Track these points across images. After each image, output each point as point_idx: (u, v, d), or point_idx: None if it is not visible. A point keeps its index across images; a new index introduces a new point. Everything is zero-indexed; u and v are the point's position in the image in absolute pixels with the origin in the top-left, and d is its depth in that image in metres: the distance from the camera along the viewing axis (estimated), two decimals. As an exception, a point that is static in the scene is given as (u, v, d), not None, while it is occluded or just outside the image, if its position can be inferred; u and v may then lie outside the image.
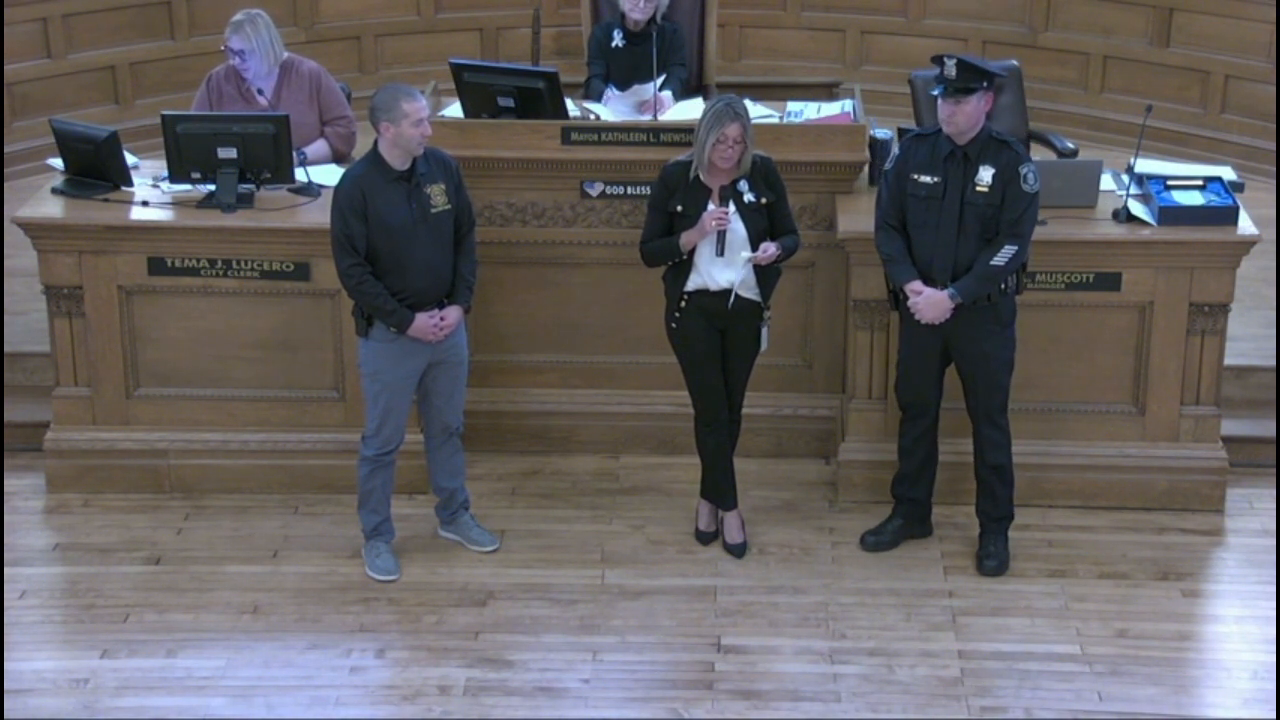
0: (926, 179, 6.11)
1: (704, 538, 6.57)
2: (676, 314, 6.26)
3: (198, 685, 5.82)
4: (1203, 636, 6.18)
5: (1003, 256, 6.06)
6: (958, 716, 5.68)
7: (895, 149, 6.24)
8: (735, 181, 6.13)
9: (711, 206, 6.11)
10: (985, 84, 6.00)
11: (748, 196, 6.15)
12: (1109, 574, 6.40)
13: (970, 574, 6.39)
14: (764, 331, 6.31)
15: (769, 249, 6.13)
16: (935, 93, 6.05)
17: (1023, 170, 6.04)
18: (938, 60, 6.04)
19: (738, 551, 6.50)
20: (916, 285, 6.14)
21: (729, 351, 6.33)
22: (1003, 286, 6.14)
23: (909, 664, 5.92)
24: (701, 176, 6.13)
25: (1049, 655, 5.95)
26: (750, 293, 6.22)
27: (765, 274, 6.22)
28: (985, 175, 6.06)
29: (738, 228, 6.12)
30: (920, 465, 6.48)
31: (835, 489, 6.89)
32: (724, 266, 6.16)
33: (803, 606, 6.22)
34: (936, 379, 6.37)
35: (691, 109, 7.18)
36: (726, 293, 6.18)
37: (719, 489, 6.51)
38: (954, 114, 6.02)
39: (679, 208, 6.14)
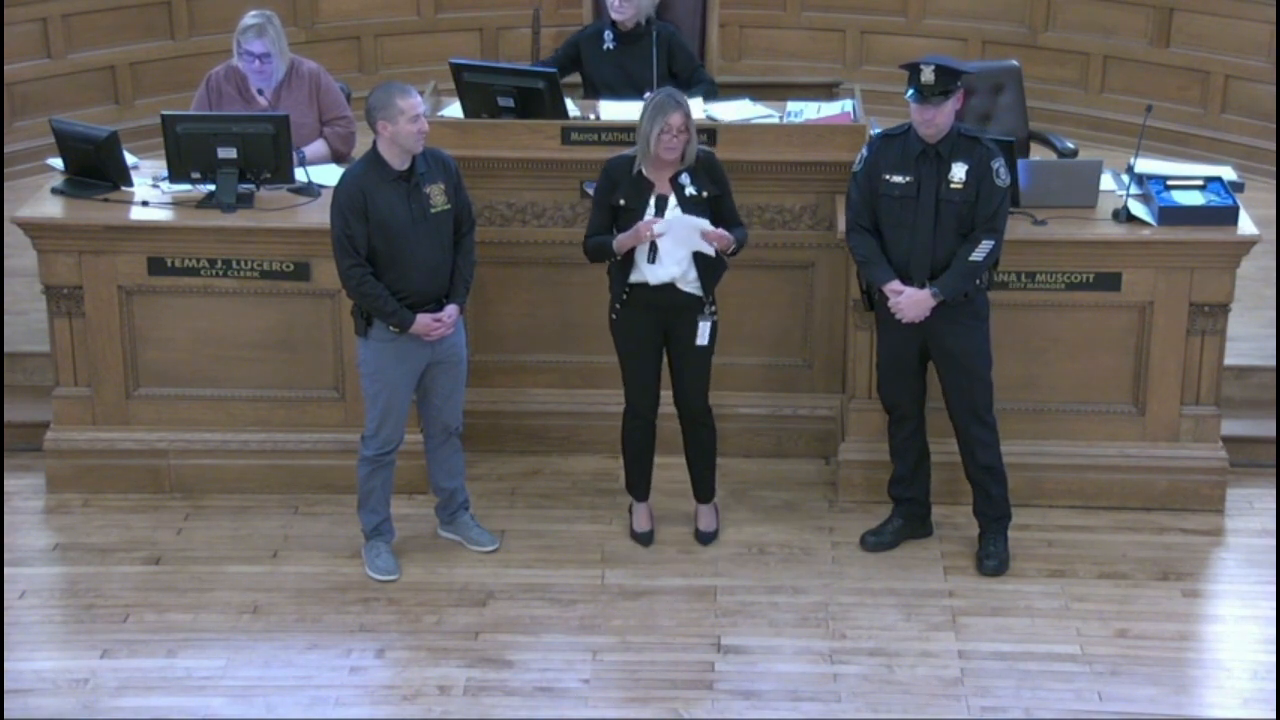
0: (899, 179, 6.11)
1: (644, 538, 6.57)
2: (618, 306, 6.26)
3: (198, 685, 5.82)
4: (1203, 636, 6.18)
5: (980, 251, 6.07)
6: (958, 716, 5.68)
7: (863, 150, 6.24)
8: (677, 175, 6.13)
9: (649, 213, 6.11)
10: (958, 83, 6.01)
11: (689, 189, 6.15)
12: (1109, 574, 6.40)
13: (970, 574, 6.39)
14: (703, 326, 6.27)
15: (724, 234, 6.10)
16: (909, 97, 6.04)
17: (994, 165, 6.06)
18: (911, 67, 6.02)
19: (707, 539, 6.56)
20: (896, 285, 6.15)
21: (676, 348, 6.32)
22: (977, 282, 6.15)
23: (909, 664, 5.92)
24: (645, 171, 6.13)
25: (1049, 655, 5.95)
26: (691, 287, 6.22)
27: (707, 268, 6.20)
28: (959, 172, 6.07)
29: (677, 232, 6.09)
30: (914, 465, 6.48)
31: (835, 489, 6.89)
32: (657, 268, 6.15)
33: (803, 606, 6.22)
34: (918, 378, 6.37)
35: (693, 108, 7.13)
36: (668, 287, 6.18)
37: (641, 482, 6.56)
38: (934, 117, 6.02)
39: (621, 201, 6.14)
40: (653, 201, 6.15)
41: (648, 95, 6.31)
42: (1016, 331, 6.59)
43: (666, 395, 6.56)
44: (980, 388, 6.28)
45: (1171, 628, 6.11)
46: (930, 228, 6.10)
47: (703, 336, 6.28)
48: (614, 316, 6.32)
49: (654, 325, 6.28)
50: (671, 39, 7.72)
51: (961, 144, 6.09)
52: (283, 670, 5.90)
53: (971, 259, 6.08)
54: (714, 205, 6.19)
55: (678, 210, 6.13)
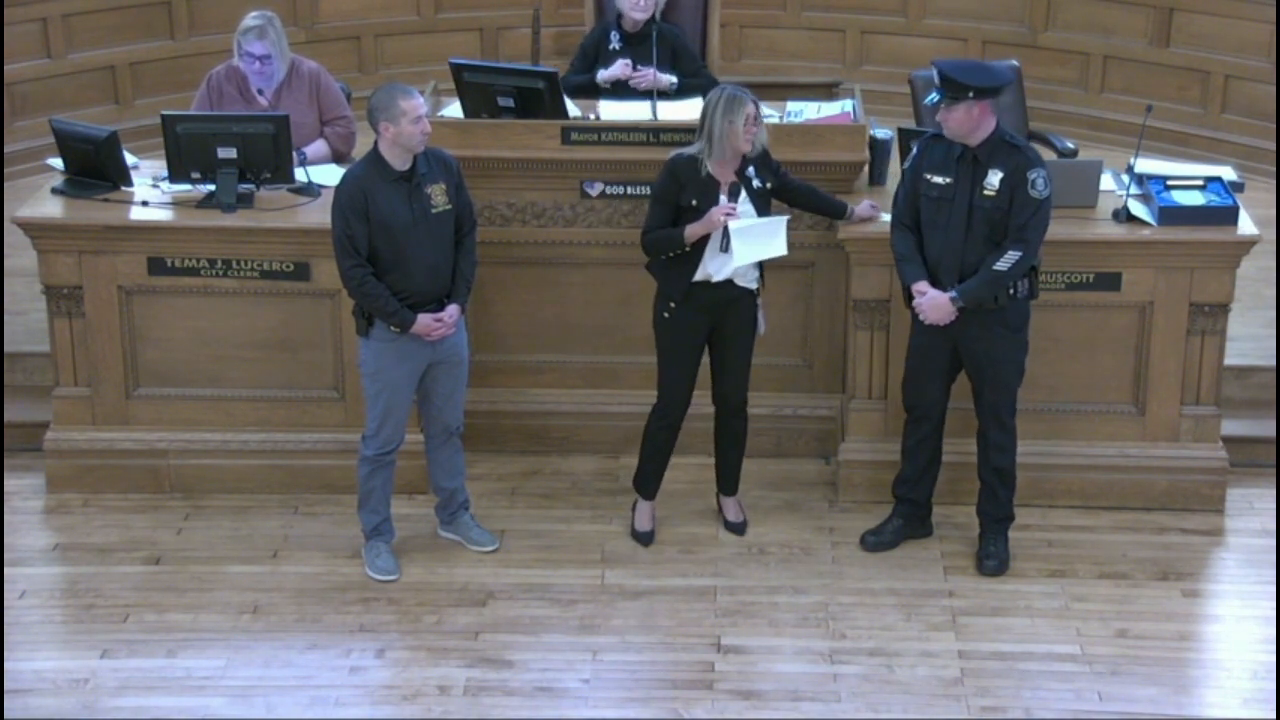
0: (939, 179, 6.10)
1: (644, 538, 6.58)
2: (672, 304, 6.26)
3: (198, 685, 5.82)
4: (1203, 636, 6.18)
5: (1006, 261, 6.04)
6: (958, 716, 5.68)
7: (914, 147, 6.24)
8: (743, 169, 6.14)
9: (722, 200, 6.12)
10: (971, 94, 5.97)
11: (756, 182, 6.17)
12: (1109, 574, 6.40)
13: (970, 574, 6.39)
14: (761, 317, 6.33)
15: (871, 208, 6.36)
16: (926, 101, 6.04)
17: (1031, 176, 6.01)
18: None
19: (740, 529, 6.60)
20: (922, 285, 6.14)
21: (726, 342, 6.33)
22: (1011, 291, 6.11)
23: (909, 664, 5.92)
24: (710, 169, 6.13)
25: (1049, 655, 5.95)
26: (747, 280, 6.24)
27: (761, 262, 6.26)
28: (993, 179, 6.05)
29: (749, 216, 6.13)
30: (924, 468, 6.48)
31: (835, 489, 6.89)
32: (728, 261, 6.15)
33: (803, 606, 6.22)
34: (944, 383, 6.35)
35: (693, 108, 7.15)
36: (726, 283, 6.20)
37: (652, 481, 6.57)
38: (945, 119, 6.03)
39: (693, 202, 6.13)
40: (726, 190, 6.15)
41: (711, 92, 6.25)
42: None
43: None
44: (1001, 394, 6.26)
45: (1171, 628, 6.11)
46: (962, 231, 6.08)
47: (762, 325, 6.34)
48: (665, 315, 6.30)
49: (704, 324, 6.29)
50: (676, 39, 7.73)
51: (1002, 151, 6.05)
52: (283, 670, 5.91)
53: (996, 268, 6.04)
54: (777, 195, 6.24)
55: (749, 204, 6.15)
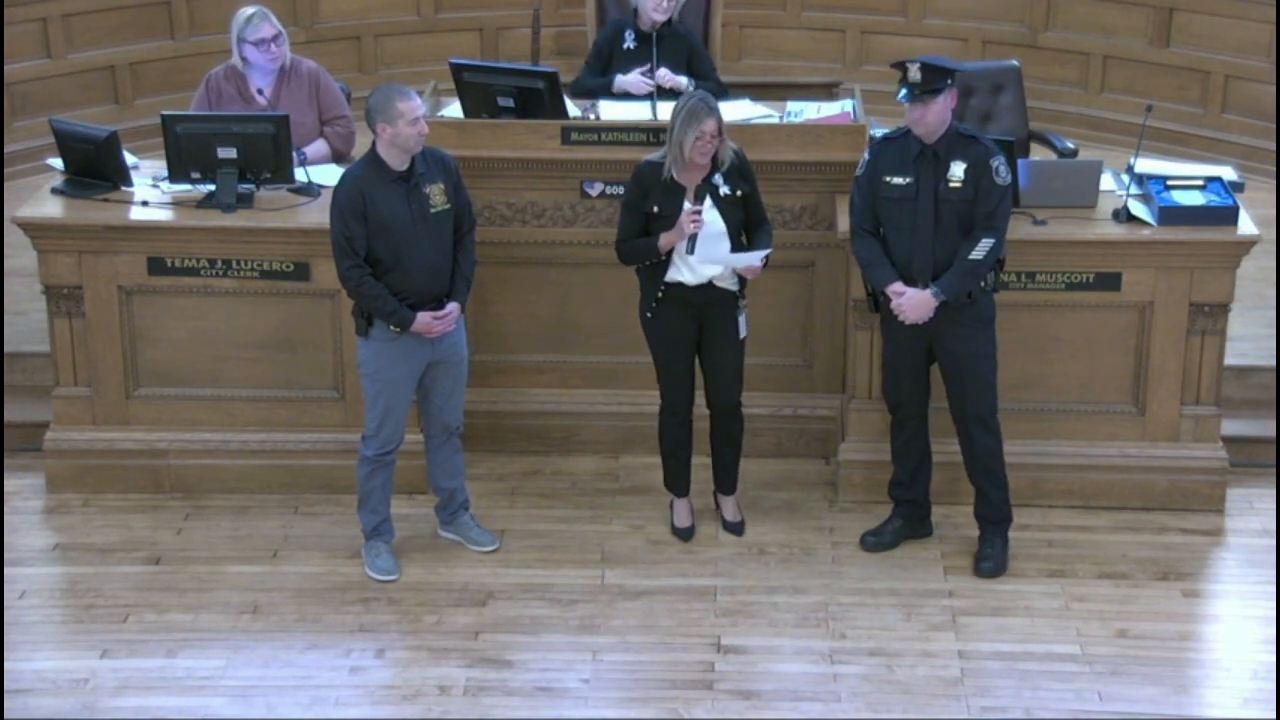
0: (899, 180, 6.11)
1: (685, 534, 6.58)
2: (653, 304, 6.26)
3: (198, 685, 5.82)
4: (1203, 636, 6.18)
5: (980, 250, 6.06)
6: (958, 716, 5.68)
7: (865, 154, 6.24)
8: (710, 176, 6.14)
9: (687, 205, 6.11)
10: (949, 82, 6.00)
11: (724, 190, 6.16)
12: (1109, 574, 6.40)
13: (970, 574, 6.39)
14: (741, 319, 6.31)
15: (754, 265, 6.12)
16: (900, 98, 6.04)
17: (993, 163, 6.05)
18: (899, 66, 6.03)
19: (737, 530, 6.59)
20: (898, 287, 6.14)
21: (712, 343, 6.33)
22: (982, 284, 6.14)
23: (909, 664, 5.92)
24: (675, 175, 6.13)
25: (1049, 655, 5.95)
26: (727, 283, 6.23)
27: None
28: (957, 171, 6.07)
29: (714, 223, 6.12)
30: (915, 467, 6.48)
31: (835, 489, 6.89)
32: (697, 263, 6.15)
33: (803, 606, 6.22)
34: (923, 379, 6.36)
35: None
36: (705, 285, 6.20)
37: (680, 478, 6.56)
38: (923, 116, 6.03)
39: (655, 208, 6.14)
40: (691, 196, 6.14)
41: (679, 98, 6.23)
42: (1016, 331, 6.58)
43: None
44: (985, 392, 6.27)
45: (1171, 628, 6.11)
46: (930, 228, 6.10)
47: (743, 329, 6.31)
48: (648, 315, 6.31)
49: (690, 322, 6.28)
50: (692, 41, 7.69)
51: (959, 143, 6.09)
52: (283, 670, 5.91)
53: (971, 258, 6.07)
54: (744, 203, 6.21)
55: (714, 210, 6.13)
